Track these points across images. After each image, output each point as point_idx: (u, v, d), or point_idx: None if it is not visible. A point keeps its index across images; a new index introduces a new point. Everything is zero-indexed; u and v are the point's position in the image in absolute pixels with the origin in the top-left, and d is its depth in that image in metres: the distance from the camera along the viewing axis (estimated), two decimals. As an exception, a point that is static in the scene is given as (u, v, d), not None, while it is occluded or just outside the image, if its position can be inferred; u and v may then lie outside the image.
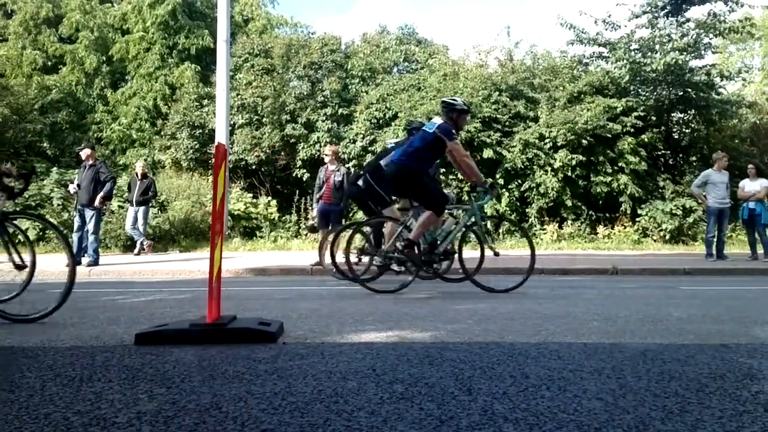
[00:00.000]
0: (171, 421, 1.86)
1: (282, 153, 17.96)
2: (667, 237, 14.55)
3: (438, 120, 5.92)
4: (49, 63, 22.73)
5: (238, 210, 15.49)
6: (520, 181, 15.34)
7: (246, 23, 24.33)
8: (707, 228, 10.53)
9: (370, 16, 56.02)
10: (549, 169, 15.19)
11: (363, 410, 1.94)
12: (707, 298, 5.47)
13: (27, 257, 4.44)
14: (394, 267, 6.39)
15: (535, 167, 15.28)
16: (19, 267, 4.34)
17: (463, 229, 6.12)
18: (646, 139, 15.28)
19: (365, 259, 6.68)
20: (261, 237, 15.25)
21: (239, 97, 17.86)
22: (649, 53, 15.97)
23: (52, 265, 7.91)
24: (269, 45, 19.38)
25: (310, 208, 14.85)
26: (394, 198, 7.19)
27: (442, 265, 6.44)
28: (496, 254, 6.10)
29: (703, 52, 16.43)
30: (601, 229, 14.93)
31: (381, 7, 54.34)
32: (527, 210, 15.40)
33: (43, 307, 4.16)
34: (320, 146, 16.45)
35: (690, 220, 14.65)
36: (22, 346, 3.14)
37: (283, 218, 16.25)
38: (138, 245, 12.19)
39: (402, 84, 17.73)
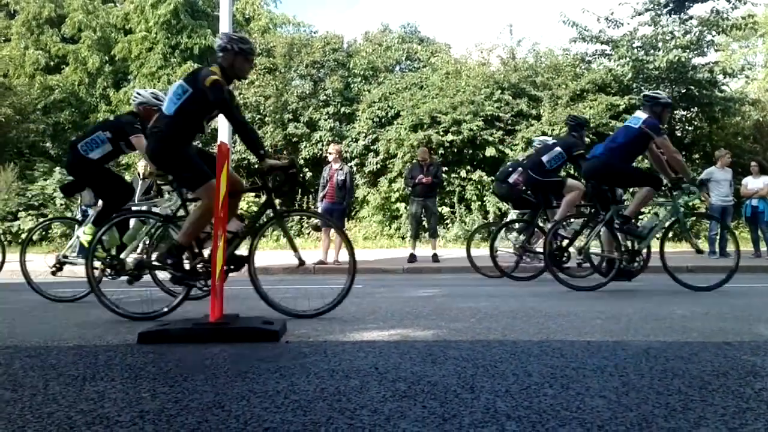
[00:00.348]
0: (174, 419, 1.86)
1: (284, 152, 17.96)
2: (670, 234, 14.51)
3: (642, 115, 5.81)
4: (52, 63, 22.75)
5: (241, 209, 15.48)
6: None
7: (248, 22, 24.32)
8: (710, 226, 10.51)
9: (372, 14, 56.01)
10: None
11: (366, 408, 1.94)
12: (710, 295, 5.45)
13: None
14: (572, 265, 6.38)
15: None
16: (302, 263, 4.46)
17: (665, 227, 6.06)
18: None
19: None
20: (264, 236, 15.25)
21: (241, 96, 17.86)
22: (652, 51, 15.93)
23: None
24: (271, 44, 19.38)
25: (313, 207, 14.87)
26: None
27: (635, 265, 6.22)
28: (700, 252, 6.12)
29: (705, 50, 16.39)
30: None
31: (383, 5, 54.33)
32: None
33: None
34: (322, 145, 16.45)
35: (693, 217, 14.61)
36: (26, 345, 3.15)
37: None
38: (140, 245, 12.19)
39: (404, 82, 17.72)
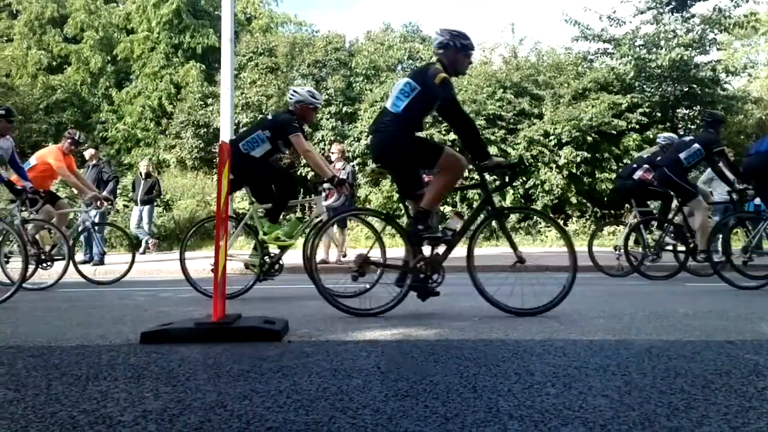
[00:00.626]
0: (176, 419, 1.86)
1: (286, 151, 17.97)
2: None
3: None
4: (54, 63, 22.79)
5: (243, 209, 15.49)
6: (524, 178, 15.32)
7: (249, 21, 24.34)
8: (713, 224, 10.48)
9: (373, 13, 55.99)
10: (554, 166, 15.16)
11: (368, 408, 1.94)
12: (713, 294, 5.45)
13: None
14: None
15: (539, 164, 15.25)
16: (522, 261, 4.41)
17: None
18: (651, 136, 15.22)
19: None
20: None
21: (243, 95, 17.88)
22: (654, 49, 15.92)
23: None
24: (273, 43, 19.40)
25: (314, 206, 14.88)
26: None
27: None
28: None
29: (708, 48, 16.38)
30: (605, 226, 14.89)
31: (385, 4, 54.29)
32: (532, 207, 15.38)
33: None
34: (325, 144, 16.46)
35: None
36: (28, 345, 3.15)
37: (288, 216, 16.25)
38: (143, 244, 12.23)
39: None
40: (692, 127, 17.65)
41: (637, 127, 15.28)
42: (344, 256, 9.40)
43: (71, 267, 7.07)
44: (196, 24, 22.17)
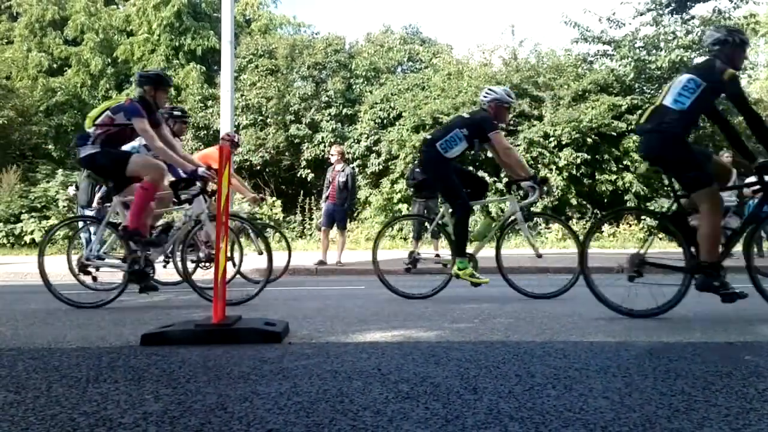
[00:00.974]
0: (177, 421, 1.86)
1: (286, 153, 17.97)
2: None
3: None
4: (55, 65, 22.81)
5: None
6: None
7: (248, 24, 24.37)
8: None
9: (373, 15, 56.03)
10: (554, 167, 15.17)
11: (368, 410, 1.94)
12: (713, 295, 5.43)
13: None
14: None
15: (539, 166, 15.26)
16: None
17: None
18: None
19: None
20: (265, 237, 15.25)
21: (244, 97, 17.89)
22: (654, 51, 15.94)
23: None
24: (273, 45, 19.42)
25: (315, 208, 14.89)
26: None
27: None
28: None
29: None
30: (606, 227, 14.89)
31: (384, 6, 54.35)
32: (531, 209, 15.36)
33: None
34: (325, 146, 16.47)
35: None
36: (28, 347, 3.15)
37: (288, 218, 16.27)
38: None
39: (406, 83, 17.74)
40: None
41: (637, 128, 15.29)
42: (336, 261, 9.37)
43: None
44: (196, 26, 22.20)
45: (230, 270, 5.47)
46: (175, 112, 6.90)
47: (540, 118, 15.91)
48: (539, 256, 5.47)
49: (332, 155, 9.73)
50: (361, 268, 9.39)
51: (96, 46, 22.07)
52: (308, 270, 8.72)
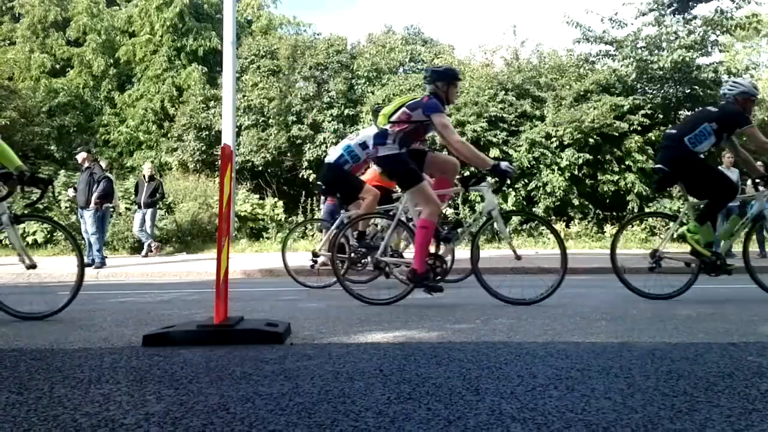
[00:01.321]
0: (179, 422, 1.86)
1: (288, 154, 17.98)
2: (675, 236, 14.48)
3: None
4: (57, 66, 22.83)
5: (245, 211, 15.51)
6: (526, 180, 15.31)
7: (249, 24, 24.38)
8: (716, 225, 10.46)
9: (374, 15, 56.04)
10: (556, 168, 15.15)
11: (370, 411, 1.94)
12: (716, 296, 5.43)
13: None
14: None
15: (541, 166, 15.25)
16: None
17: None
18: (653, 137, 15.20)
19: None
20: (268, 238, 15.27)
21: (245, 98, 17.90)
22: (656, 51, 15.91)
23: (61, 266, 7.94)
24: (275, 46, 19.42)
25: (317, 209, 14.88)
26: None
27: None
28: None
29: (710, 50, 16.36)
30: (608, 228, 14.87)
31: (386, 6, 54.36)
32: (534, 209, 15.36)
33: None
34: (326, 147, 16.47)
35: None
36: (31, 348, 3.15)
37: (290, 219, 16.27)
38: (145, 247, 12.26)
39: (408, 84, 17.72)
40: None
41: (639, 129, 15.26)
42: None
43: None
44: (198, 27, 22.21)
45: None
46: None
47: (542, 118, 15.89)
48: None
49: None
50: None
51: (98, 47, 22.09)
52: (310, 271, 8.72)
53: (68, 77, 22.47)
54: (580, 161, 14.91)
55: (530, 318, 4.02)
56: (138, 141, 21.18)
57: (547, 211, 15.18)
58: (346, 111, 17.64)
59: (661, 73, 15.59)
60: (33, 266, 4.48)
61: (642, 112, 15.32)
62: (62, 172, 16.36)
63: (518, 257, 4.80)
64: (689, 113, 17.21)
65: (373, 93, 17.87)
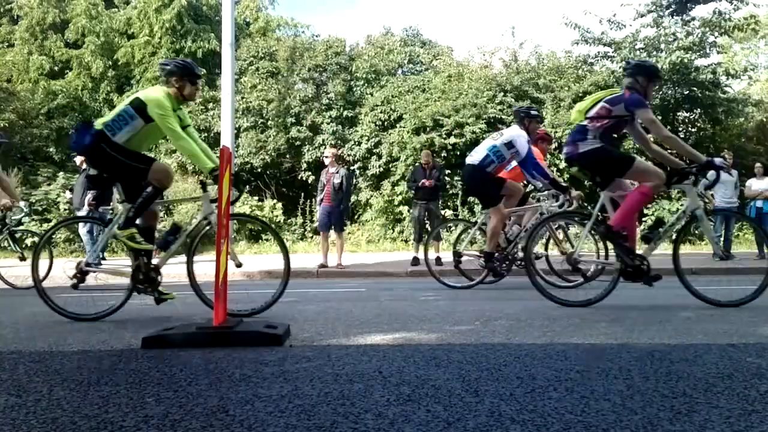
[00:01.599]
0: (178, 424, 1.86)
1: (287, 156, 17.98)
2: (674, 237, 14.47)
3: None
4: (56, 68, 22.81)
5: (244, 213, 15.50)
6: (525, 182, 15.30)
7: (248, 26, 24.38)
8: (714, 227, 10.48)
9: (373, 17, 56.08)
10: (554, 169, 15.15)
11: (370, 412, 1.94)
12: (713, 297, 5.42)
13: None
14: None
15: (541, 167, 15.25)
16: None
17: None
18: (651, 139, 15.17)
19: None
20: (267, 240, 15.27)
21: (244, 100, 17.90)
22: (655, 52, 15.93)
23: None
24: (274, 48, 19.43)
25: (316, 211, 14.89)
26: None
27: None
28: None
29: (708, 51, 16.39)
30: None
31: (384, 8, 54.38)
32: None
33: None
34: (325, 148, 16.49)
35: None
36: (30, 350, 3.15)
37: (289, 221, 16.27)
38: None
39: (407, 86, 17.73)
40: (693, 130, 17.64)
41: (638, 130, 15.28)
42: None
43: None
44: (197, 29, 22.20)
45: None
46: (532, 112, 6.96)
47: (541, 120, 15.91)
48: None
49: (327, 157, 9.77)
50: (362, 270, 9.40)
51: (97, 49, 22.07)
52: (309, 272, 8.73)
53: (67, 79, 22.46)
54: (580, 162, 14.91)
55: (529, 320, 4.02)
56: (137, 143, 21.14)
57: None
58: (345, 113, 17.64)
59: (661, 73, 15.62)
60: (239, 265, 4.72)
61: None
62: (61, 174, 16.36)
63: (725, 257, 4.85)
64: (687, 114, 17.31)
65: (371, 94, 17.89)
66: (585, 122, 4.78)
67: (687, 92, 16.25)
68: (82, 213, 9.85)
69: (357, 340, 3.30)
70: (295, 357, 2.86)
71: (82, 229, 9.97)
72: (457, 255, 6.75)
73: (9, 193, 8.05)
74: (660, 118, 15.87)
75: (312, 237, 15.34)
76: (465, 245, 6.89)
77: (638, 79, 4.83)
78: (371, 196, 16.44)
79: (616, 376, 2.39)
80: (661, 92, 16.58)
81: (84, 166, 10.21)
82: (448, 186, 14.32)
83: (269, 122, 17.73)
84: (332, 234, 9.63)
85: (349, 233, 15.87)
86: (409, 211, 13.96)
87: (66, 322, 4.26)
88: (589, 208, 5.41)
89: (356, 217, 16.89)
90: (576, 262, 5.02)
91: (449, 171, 14.44)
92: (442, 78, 17.45)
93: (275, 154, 17.60)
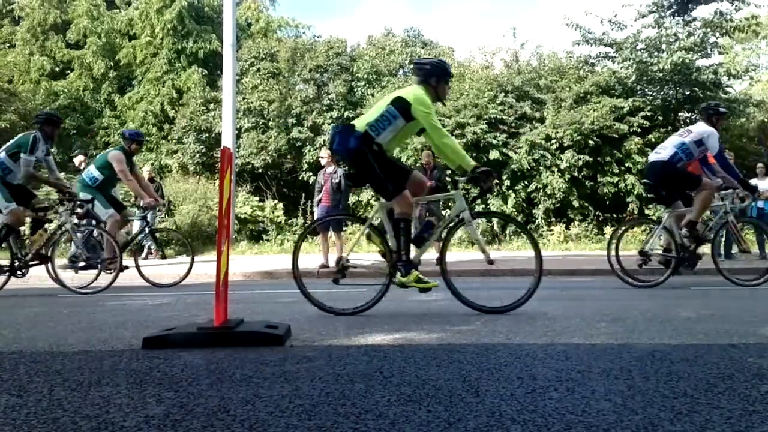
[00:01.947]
0: (179, 424, 1.86)
1: (288, 156, 17.99)
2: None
3: None
4: (57, 69, 22.86)
5: (245, 213, 15.52)
6: (526, 182, 15.32)
7: (249, 26, 24.41)
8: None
9: (374, 17, 56.10)
10: (555, 169, 15.16)
11: (370, 413, 1.94)
12: (716, 297, 5.43)
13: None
14: None
15: (541, 168, 15.25)
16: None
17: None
18: (653, 139, 15.19)
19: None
20: (267, 240, 15.28)
21: (245, 101, 17.91)
22: (656, 53, 15.94)
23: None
24: (275, 49, 19.45)
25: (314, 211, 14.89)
26: None
27: None
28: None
29: (709, 51, 16.39)
30: (608, 229, 14.85)
31: (386, 9, 54.40)
32: (534, 211, 15.36)
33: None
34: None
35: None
36: (30, 351, 3.15)
37: (290, 221, 16.28)
38: (145, 249, 12.25)
39: (408, 86, 17.74)
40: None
41: (639, 130, 15.27)
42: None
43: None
44: (198, 29, 22.24)
45: None
46: (721, 109, 6.90)
47: (542, 120, 15.90)
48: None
49: (322, 158, 9.80)
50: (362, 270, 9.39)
51: (98, 49, 22.12)
52: (310, 272, 8.72)
53: (68, 80, 22.50)
54: (580, 163, 14.92)
55: (529, 319, 4.01)
56: (138, 143, 21.17)
57: (547, 213, 15.18)
58: (346, 113, 17.65)
59: (661, 75, 15.61)
60: (491, 262, 4.59)
61: (642, 113, 15.33)
62: (62, 174, 16.33)
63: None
64: (689, 115, 17.30)
65: (373, 95, 17.89)
66: None
67: (688, 92, 16.24)
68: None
69: (358, 341, 3.30)
70: (295, 357, 2.86)
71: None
72: (645, 255, 6.73)
73: (149, 192, 8.12)
74: (662, 118, 15.92)
75: (312, 238, 15.33)
76: (650, 245, 6.81)
77: None
78: (372, 196, 16.44)
79: (616, 376, 2.38)
80: (662, 92, 16.59)
81: (82, 166, 10.24)
82: (449, 186, 14.31)
83: (270, 123, 17.75)
84: (332, 234, 9.63)
85: (350, 233, 15.88)
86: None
87: (66, 322, 4.27)
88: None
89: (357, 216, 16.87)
90: None
91: (449, 171, 14.43)
92: (443, 78, 17.45)
93: (276, 155, 17.61)
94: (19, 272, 6.88)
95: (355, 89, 18.51)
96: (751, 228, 11.45)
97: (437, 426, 1.80)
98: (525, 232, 5.19)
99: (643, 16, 16.68)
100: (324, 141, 17.02)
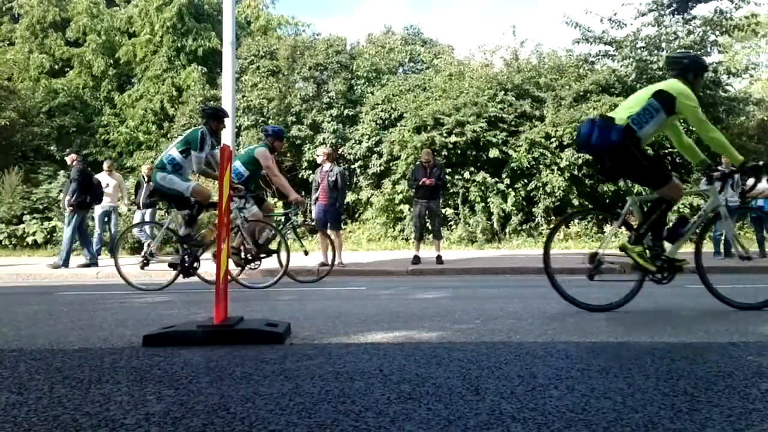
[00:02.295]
0: (179, 422, 1.86)
1: (287, 154, 17.98)
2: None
3: None
4: (56, 66, 22.84)
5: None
6: (526, 181, 15.32)
7: (249, 24, 24.39)
8: (715, 226, 10.46)
9: (374, 16, 56.04)
10: (555, 168, 15.16)
11: (370, 411, 1.94)
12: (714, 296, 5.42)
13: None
14: None
15: (541, 166, 15.26)
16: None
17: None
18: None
19: None
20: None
21: (245, 98, 17.91)
22: (656, 51, 15.94)
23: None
24: (274, 47, 19.44)
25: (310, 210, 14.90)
26: None
27: None
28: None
29: (709, 50, 16.39)
30: (608, 228, 14.86)
31: (386, 7, 54.35)
32: (534, 209, 15.36)
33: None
34: (326, 147, 16.51)
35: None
36: (31, 348, 3.15)
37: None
38: (145, 247, 12.24)
39: (407, 84, 17.73)
40: (693, 129, 17.62)
41: (639, 129, 15.27)
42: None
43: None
44: (197, 27, 22.22)
45: None
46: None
47: (541, 118, 15.90)
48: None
49: (318, 156, 9.83)
50: (362, 269, 9.40)
51: (98, 47, 22.10)
52: (310, 271, 8.72)
53: (68, 78, 22.48)
54: (580, 161, 14.91)
55: (530, 318, 4.02)
56: (137, 141, 21.18)
57: (547, 212, 15.18)
58: (346, 111, 17.65)
59: (661, 73, 15.58)
60: (748, 258, 4.59)
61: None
62: (61, 172, 16.37)
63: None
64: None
65: (372, 93, 17.90)
66: None
67: (688, 91, 16.23)
68: (65, 213, 9.96)
69: (358, 339, 3.30)
70: (295, 355, 2.86)
71: (65, 227, 10.07)
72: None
73: (287, 190, 8.21)
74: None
75: (312, 236, 15.33)
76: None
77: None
78: (372, 194, 16.44)
79: (616, 374, 2.39)
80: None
81: (74, 164, 10.24)
82: (448, 184, 14.31)
83: (270, 121, 17.74)
84: (330, 232, 9.63)
85: (350, 232, 15.88)
86: (409, 209, 13.97)
87: (65, 321, 4.26)
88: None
89: (357, 215, 16.90)
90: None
91: (450, 170, 14.43)
92: (442, 77, 17.46)
93: (276, 153, 17.60)
94: (191, 269, 7.03)
95: (355, 87, 18.50)
96: (751, 227, 11.47)
97: (437, 424, 1.80)
98: None
99: (643, 15, 16.68)
100: (324, 139, 17.00)
